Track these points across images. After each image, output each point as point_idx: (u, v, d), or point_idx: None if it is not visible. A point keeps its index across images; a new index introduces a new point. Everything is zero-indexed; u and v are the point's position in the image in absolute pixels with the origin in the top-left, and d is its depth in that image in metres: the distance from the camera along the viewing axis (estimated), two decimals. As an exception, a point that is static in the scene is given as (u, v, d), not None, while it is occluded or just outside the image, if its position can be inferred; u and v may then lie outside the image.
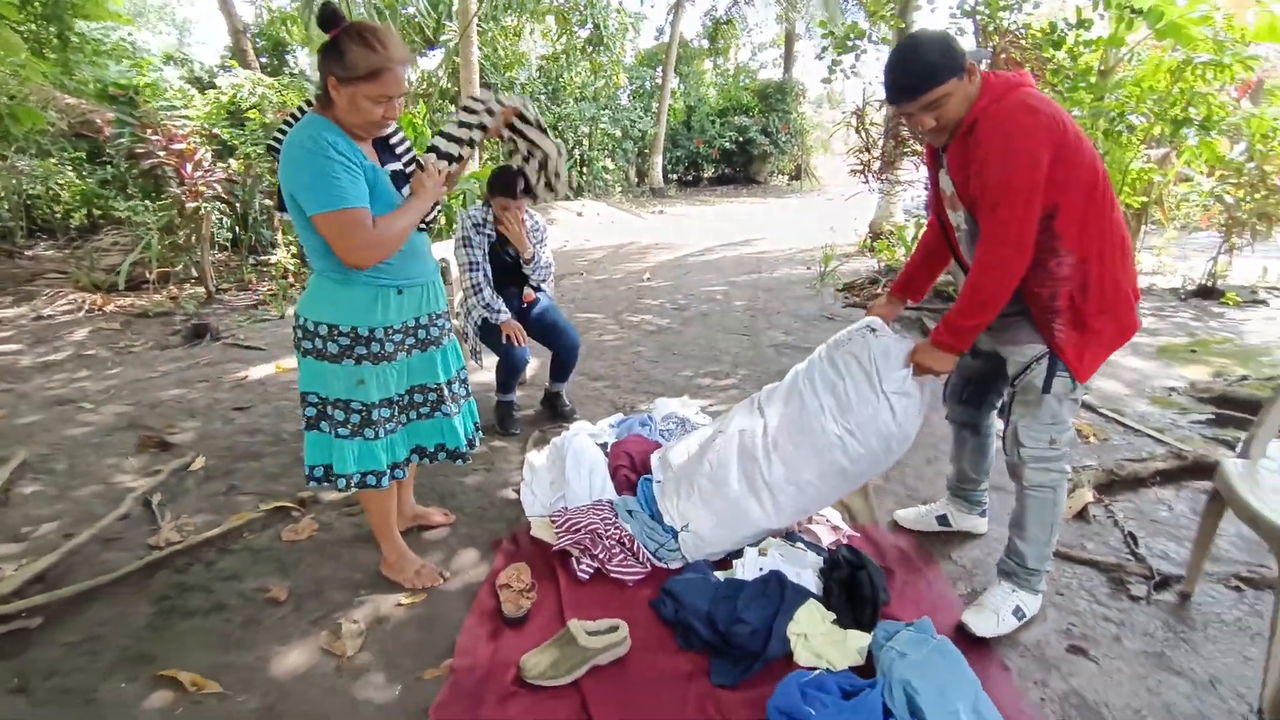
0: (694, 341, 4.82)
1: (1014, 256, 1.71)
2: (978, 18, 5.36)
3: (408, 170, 1.91)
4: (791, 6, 17.73)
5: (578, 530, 2.22)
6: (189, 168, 5.88)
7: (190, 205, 5.79)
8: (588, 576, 2.13)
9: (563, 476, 2.54)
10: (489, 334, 3.17)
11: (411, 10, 7.94)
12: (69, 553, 2.31)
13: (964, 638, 1.89)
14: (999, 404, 2.22)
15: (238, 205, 6.59)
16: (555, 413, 3.39)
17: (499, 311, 3.12)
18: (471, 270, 3.10)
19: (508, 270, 3.21)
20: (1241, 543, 2.35)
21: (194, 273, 6.14)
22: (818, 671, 1.70)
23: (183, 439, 3.24)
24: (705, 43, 20.17)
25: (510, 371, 3.22)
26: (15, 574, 2.16)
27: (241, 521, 2.51)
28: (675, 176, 18.18)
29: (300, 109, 1.84)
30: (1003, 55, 5.58)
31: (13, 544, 2.42)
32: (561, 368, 3.35)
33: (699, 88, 19.04)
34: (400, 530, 2.27)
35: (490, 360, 3.33)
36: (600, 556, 2.12)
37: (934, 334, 1.91)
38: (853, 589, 1.98)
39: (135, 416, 3.50)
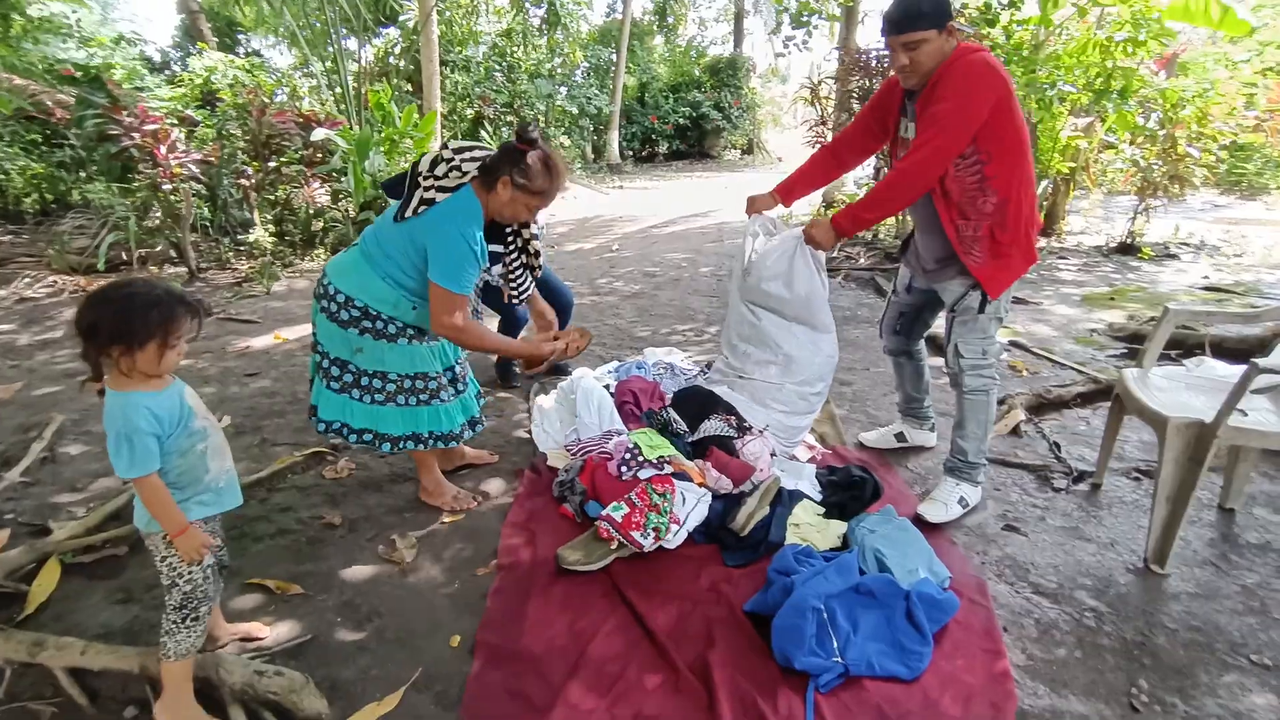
0: (668, 304, 5.18)
1: (938, 154, 2.05)
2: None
3: (507, 255, 2.39)
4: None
5: (591, 453, 2.57)
6: (163, 149, 5.94)
7: (167, 187, 5.86)
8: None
9: (572, 414, 2.88)
10: (490, 295, 3.45)
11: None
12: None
13: (920, 525, 2.31)
14: (925, 332, 2.70)
15: (209, 187, 6.64)
16: (552, 368, 3.71)
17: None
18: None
19: (502, 234, 3.50)
20: (1142, 445, 2.83)
21: (173, 253, 6.21)
22: (806, 545, 2.10)
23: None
24: (655, 19, 20.32)
25: (510, 329, 3.52)
26: (92, 514, 2.41)
27: (284, 465, 2.79)
28: (631, 153, 18.39)
29: (457, 158, 2.13)
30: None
31: (73, 493, 2.66)
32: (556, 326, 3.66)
33: (651, 64, 19.22)
34: (447, 470, 2.62)
35: (490, 322, 3.63)
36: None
37: (835, 218, 2.25)
38: (855, 494, 2.37)
39: (150, 385, 3.70)
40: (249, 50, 11.58)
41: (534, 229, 2.42)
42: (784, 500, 2.30)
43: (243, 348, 4.29)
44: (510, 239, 2.41)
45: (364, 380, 2.25)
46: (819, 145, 7.56)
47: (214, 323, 4.85)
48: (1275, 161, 9.82)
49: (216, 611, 1.80)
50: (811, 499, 2.38)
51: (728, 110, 18.45)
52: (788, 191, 2.57)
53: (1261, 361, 1.90)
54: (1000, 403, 3.17)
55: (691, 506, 2.24)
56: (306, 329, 4.61)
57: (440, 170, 2.11)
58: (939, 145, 2.04)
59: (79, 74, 7.30)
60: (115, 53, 8.17)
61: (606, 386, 3.06)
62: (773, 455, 2.57)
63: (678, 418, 2.59)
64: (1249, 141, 8.26)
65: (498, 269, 2.30)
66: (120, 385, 1.44)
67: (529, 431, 3.05)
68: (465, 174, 2.11)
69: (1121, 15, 6.05)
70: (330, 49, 7.34)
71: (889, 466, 2.72)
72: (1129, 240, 6.39)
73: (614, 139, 16.93)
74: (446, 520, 2.44)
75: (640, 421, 2.75)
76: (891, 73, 2.23)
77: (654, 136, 18.51)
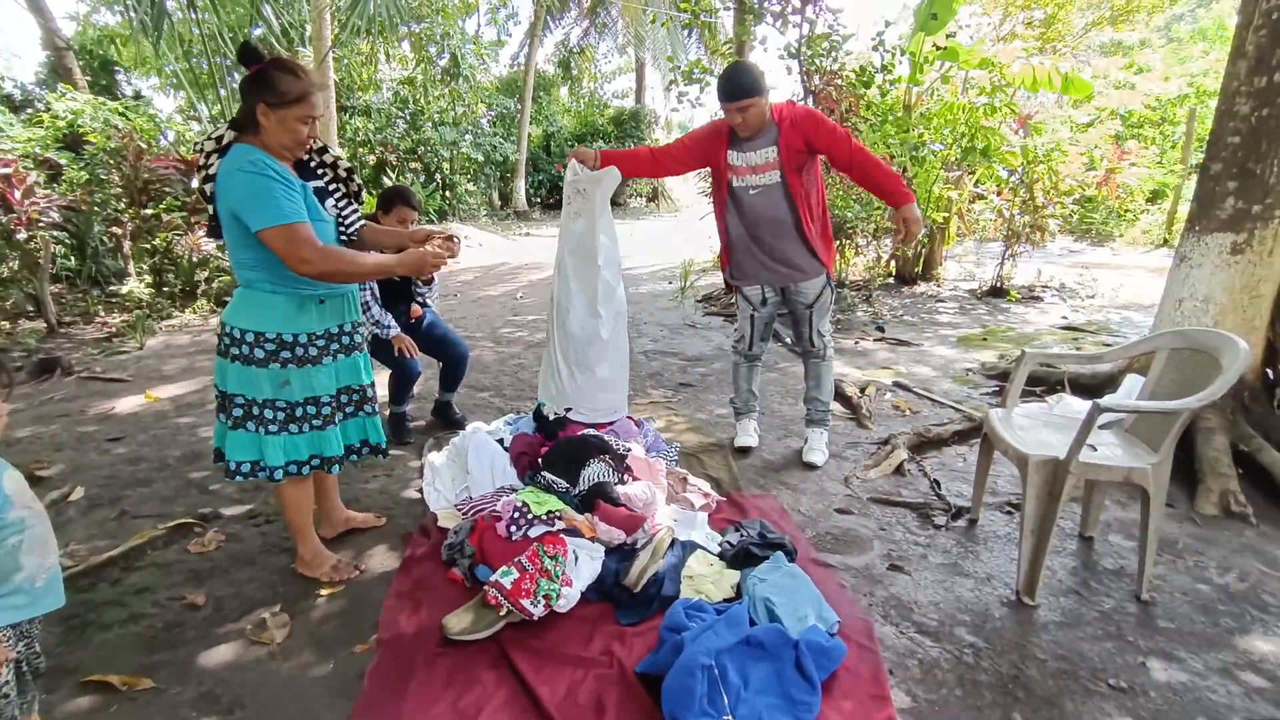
0: (570, 352, 5.16)
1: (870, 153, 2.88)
2: (801, 59, 6.14)
3: (330, 189, 2.12)
4: (639, 42, 18.69)
5: (482, 512, 2.49)
6: (18, 194, 5.50)
7: (22, 235, 5.41)
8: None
9: (464, 471, 2.79)
10: (380, 349, 3.35)
11: (260, 32, 7.77)
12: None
13: (806, 467, 3.09)
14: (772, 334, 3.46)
15: (76, 235, 6.19)
16: (447, 421, 3.61)
17: (389, 327, 3.31)
18: (359, 290, 3.28)
19: (395, 288, 3.41)
20: (1013, 479, 3.00)
21: (29, 307, 5.70)
22: (699, 598, 2.09)
23: (54, 472, 3.16)
24: (559, 70, 20.75)
25: (403, 383, 3.41)
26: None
27: (143, 540, 2.56)
28: (539, 200, 18.52)
29: (215, 140, 2.03)
30: (820, 93, 6.42)
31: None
32: (451, 377, 3.58)
33: (555, 115, 19.55)
34: (331, 537, 2.45)
35: (381, 375, 3.50)
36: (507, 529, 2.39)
37: (905, 198, 2.82)
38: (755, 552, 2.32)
39: (-9, 455, 3.34)
40: (133, 92, 10.96)
41: (330, 153, 2.19)
42: (677, 552, 2.29)
43: (106, 409, 3.95)
44: (319, 171, 2.17)
45: (298, 411, 2.11)
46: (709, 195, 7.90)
47: (74, 382, 4.46)
48: (1117, 212, 10.91)
49: None
50: (705, 549, 2.38)
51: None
52: (606, 159, 3.12)
53: (1103, 401, 2.05)
54: (884, 443, 3.32)
55: (584, 565, 2.19)
56: (182, 387, 4.32)
57: (208, 161, 2.02)
58: (854, 143, 2.81)
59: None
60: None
61: (501, 440, 2.99)
62: (667, 462, 2.60)
63: (555, 477, 2.55)
64: (1095, 195, 9.18)
65: (330, 204, 2.14)
66: None
67: (419, 490, 2.93)
68: (222, 140, 2.02)
69: (980, 82, 6.66)
70: (222, 92, 7.06)
71: (785, 514, 2.76)
72: (999, 284, 6.90)
73: (520, 186, 17.02)
74: (324, 593, 2.28)
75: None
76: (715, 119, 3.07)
77: (560, 184, 18.68)
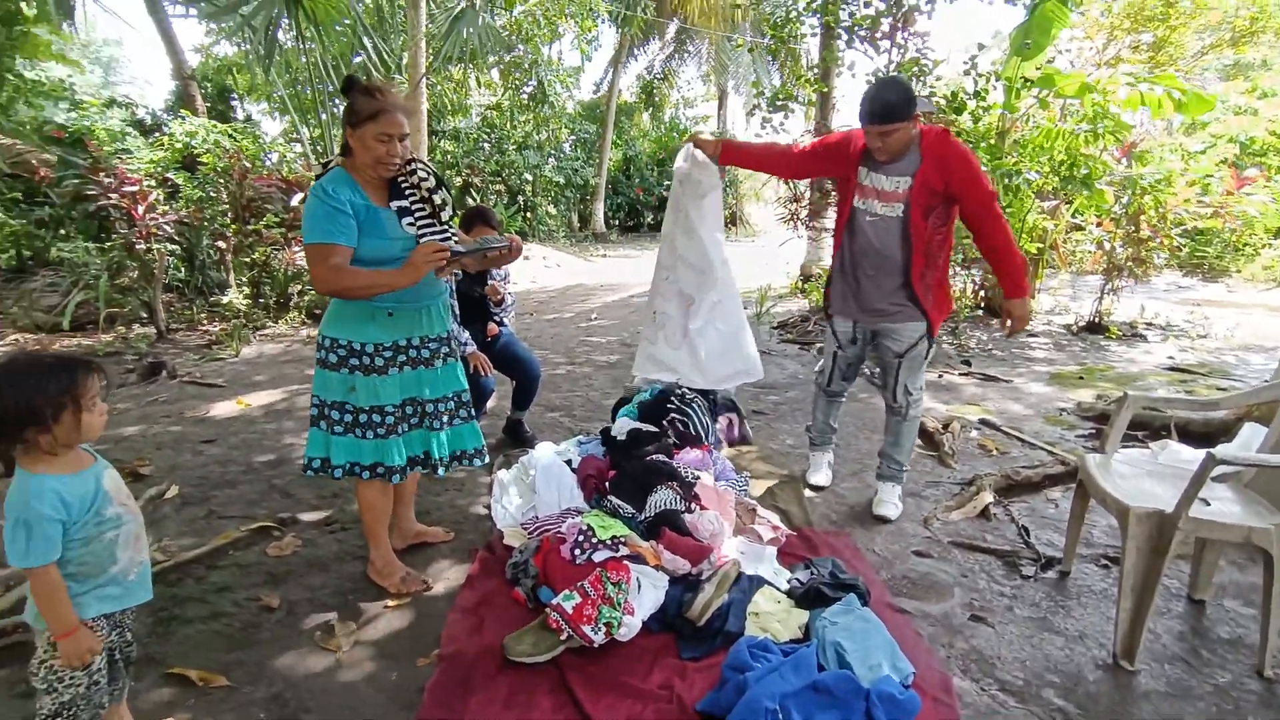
0: (642, 375, 5.15)
1: (1006, 225, 2.61)
2: (889, 85, 6.00)
3: (413, 208, 2.17)
4: (722, 70, 18.80)
5: (547, 533, 2.48)
6: (141, 210, 5.95)
7: (141, 246, 5.84)
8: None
9: (531, 490, 2.80)
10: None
11: (361, 60, 8.21)
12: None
13: (879, 521, 2.87)
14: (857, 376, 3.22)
15: (187, 248, 6.64)
16: (517, 439, 3.65)
17: (465, 344, 3.38)
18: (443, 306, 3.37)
19: (473, 305, 3.48)
20: (1110, 530, 2.78)
21: (143, 313, 6.13)
22: (764, 636, 2.00)
23: (153, 470, 3.35)
24: (641, 96, 21.06)
25: (476, 400, 3.46)
26: (5, 596, 2.27)
27: (226, 540, 2.67)
28: (616, 222, 18.76)
29: (325, 164, 2.15)
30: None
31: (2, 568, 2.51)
32: (523, 396, 3.62)
33: (635, 139, 19.82)
34: (401, 548, 2.50)
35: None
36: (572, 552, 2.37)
37: (1022, 291, 2.61)
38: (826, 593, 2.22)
39: (100, 450, 3.56)
40: (245, 116, 11.79)
41: (420, 170, 2.20)
42: (743, 586, 2.22)
43: (202, 413, 4.18)
44: (408, 191, 2.18)
45: (361, 418, 2.20)
46: (794, 222, 7.80)
47: (176, 386, 4.75)
48: (1234, 246, 10.16)
49: (124, 709, 1.67)
50: (773, 585, 2.29)
51: (710, 184, 18.90)
52: (729, 151, 3.00)
53: (1218, 452, 1.88)
54: (969, 483, 3.15)
55: (647, 594, 2.14)
56: (271, 395, 4.53)
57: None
58: (997, 204, 2.56)
59: (66, 135, 7.37)
60: (104, 116, 8.26)
61: (569, 462, 2.99)
62: (736, 492, 2.56)
63: (621, 502, 2.52)
64: (1209, 226, 8.56)
65: (407, 221, 2.17)
66: (32, 466, 1.36)
67: (487, 506, 2.96)
68: (328, 165, 2.16)
69: (1082, 108, 6.34)
70: (323, 116, 7.49)
71: (858, 553, 2.64)
72: (1097, 319, 6.50)
73: (599, 209, 17.30)
74: (391, 604, 2.32)
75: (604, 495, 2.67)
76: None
77: (639, 207, 18.92)
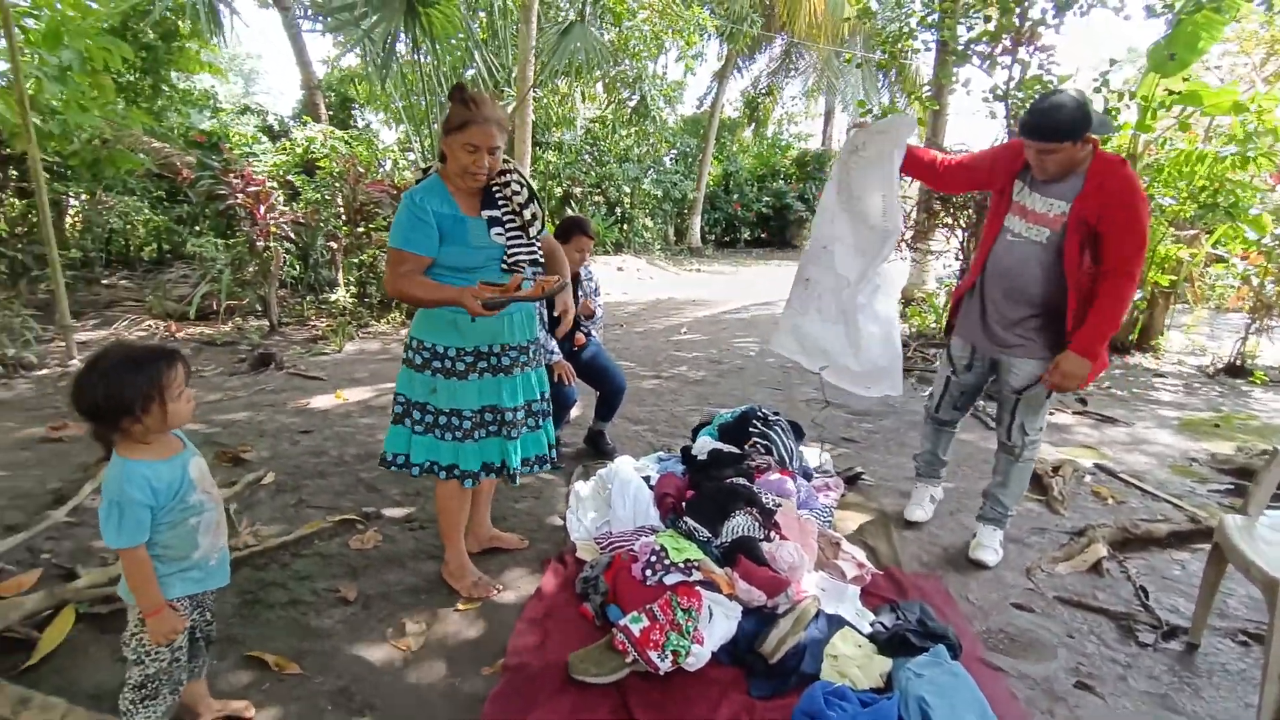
0: (729, 393, 5.04)
1: (1137, 274, 2.30)
2: (1009, 103, 5.66)
3: (504, 219, 2.18)
4: (830, 88, 18.44)
5: (620, 550, 2.42)
6: (263, 209, 6.36)
7: (260, 244, 6.24)
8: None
9: (607, 505, 2.76)
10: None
11: (473, 74, 8.52)
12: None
13: (976, 563, 2.66)
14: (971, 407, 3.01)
15: (302, 247, 7.06)
16: (598, 450, 3.62)
17: (552, 353, 3.38)
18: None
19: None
20: (1251, 602, 2.46)
21: (258, 307, 6.55)
22: (842, 683, 1.87)
23: (254, 456, 3.52)
24: (745, 111, 20.93)
25: (559, 408, 3.46)
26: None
27: (312, 530, 2.76)
28: (713, 237, 18.66)
29: (425, 170, 2.21)
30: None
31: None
32: (607, 408, 3.59)
33: (736, 155, 19.70)
34: (475, 551, 2.51)
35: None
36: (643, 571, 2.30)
37: (1088, 349, 2.31)
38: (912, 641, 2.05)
39: (210, 434, 3.79)
40: (364, 124, 12.50)
41: (515, 184, 2.19)
42: (821, 625, 2.08)
43: (303, 404, 4.39)
44: (500, 201, 2.18)
45: (441, 420, 2.23)
46: (897, 244, 7.48)
47: (283, 377, 5.02)
48: None
49: (203, 686, 1.73)
50: (854, 627, 2.15)
51: (812, 202, 18.57)
52: (919, 160, 2.76)
53: (1398, 526, 1.61)
54: (1079, 533, 2.88)
55: (718, 623, 2.05)
56: (367, 391, 4.71)
57: None
58: (1138, 266, 2.28)
59: (206, 139, 8.01)
60: (238, 121, 8.94)
61: (647, 478, 2.93)
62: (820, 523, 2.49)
63: (697, 524, 2.42)
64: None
65: (496, 231, 2.16)
66: (127, 451, 1.42)
67: (563, 516, 2.93)
68: (428, 171, 2.21)
69: (1230, 130, 5.77)
70: (435, 126, 7.82)
71: (950, 600, 2.44)
72: (1239, 362, 5.88)
73: (696, 223, 17.25)
74: (461, 607, 2.32)
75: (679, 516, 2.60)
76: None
77: (736, 223, 18.77)
